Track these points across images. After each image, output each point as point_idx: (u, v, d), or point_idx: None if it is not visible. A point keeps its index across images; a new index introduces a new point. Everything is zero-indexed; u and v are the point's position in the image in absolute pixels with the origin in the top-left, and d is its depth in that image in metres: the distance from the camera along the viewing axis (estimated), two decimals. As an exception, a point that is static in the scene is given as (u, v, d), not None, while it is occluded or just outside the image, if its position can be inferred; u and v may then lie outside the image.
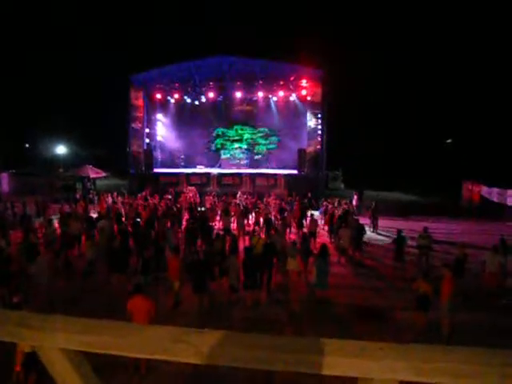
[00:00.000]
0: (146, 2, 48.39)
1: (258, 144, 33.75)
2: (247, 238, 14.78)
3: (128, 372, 6.93)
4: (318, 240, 15.38)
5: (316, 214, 18.40)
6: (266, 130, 33.47)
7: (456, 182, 30.88)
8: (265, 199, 22.15)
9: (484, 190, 27.94)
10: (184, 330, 1.06)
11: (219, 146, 34.48)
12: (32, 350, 5.56)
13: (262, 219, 17.11)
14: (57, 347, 1.08)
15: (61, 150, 40.38)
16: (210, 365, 1.01)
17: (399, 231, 13.09)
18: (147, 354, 1.05)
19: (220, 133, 34.41)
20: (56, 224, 15.64)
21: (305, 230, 15.90)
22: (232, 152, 33.62)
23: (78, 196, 25.65)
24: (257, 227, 16.19)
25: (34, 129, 44.92)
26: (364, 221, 16.96)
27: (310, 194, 22.79)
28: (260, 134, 33.65)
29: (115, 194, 23.17)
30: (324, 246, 10.89)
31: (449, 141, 44.51)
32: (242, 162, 32.85)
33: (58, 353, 1.09)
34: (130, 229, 14.88)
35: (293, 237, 15.93)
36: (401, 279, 11.94)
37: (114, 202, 20.72)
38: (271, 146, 33.47)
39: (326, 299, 10.22)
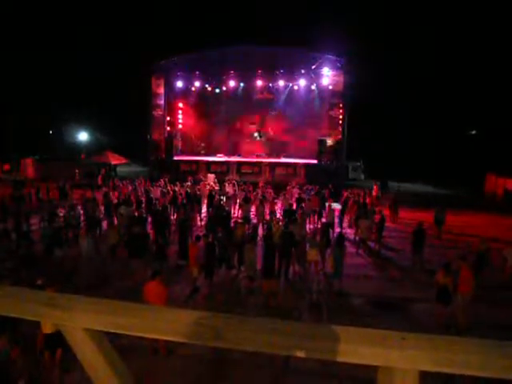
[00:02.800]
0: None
1: (277, 133, 33.64)
2: (266, 226, 14.81)
3: (148, 354, 7.07)
4: (336, 231, 15.31)
5: (335, 204, 18.27)
6: (285, 116, 33.32)
7: (480, 174, 30.18)
8: (288, 188, 22.04)
9: (509, 183, 27.27)
10: (205, 314, 1.07)
11: (239, 134, 34.46)
12: (54, 331, 5.73)
13: (279, 209, 17.10)
14: (81, 327, 1.10)
15: (83, 136, 41.04)
16: (230, 349, 1.02)
17: (419, 223, 12.91)
18: (168, 336, 1.06)
19: (240, 121, 34.37)
20: (79, 209, 15.95)
21: (323, 220, 15.84)
22: (252, 141, 33.53)
23: (99, 182, 26.06)
24: (277, 216, 16.16)
25: (58, 116, 45.66)
26: (384, 212, 16.78)
27: (331, 185, 22.53)
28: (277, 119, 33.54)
29: (137, 180, 23.47)
30: (340, 236, 10.86)
31: (473, 132, 43.49)
32: (261, 151, 32.73)
33: (83, 333, 1.11)
34: (149, 215, 15.11)
35: (312, 227, 15.91)
36: (420, 271, 11.82)
37: (135, 189, 20.94)
38: (291, 130, 33.32)
39: (344, 290, 10.20)
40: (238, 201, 18.88)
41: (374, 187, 23.13)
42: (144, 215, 14.98)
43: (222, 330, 1.01)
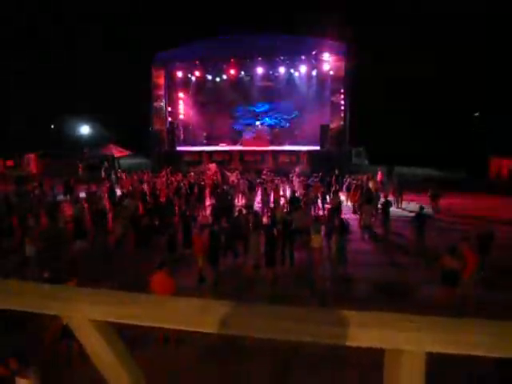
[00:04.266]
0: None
1: (280, 119, 33.57)
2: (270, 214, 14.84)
3: (158, 345, 7.14)
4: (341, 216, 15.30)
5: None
6: (286, 103, 33.19)
7: (484, 156, 29.99)
8: (290, 175, 22.02)
9: (514, 164, 27.10)
10: (210, 302, 1.07)
11: (241, 123, 34.38)
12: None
13: (283, 196, 17.11)
14: (86, 318, 1.10)
15: (85, 130, 41.01)
16: (237, 336, 1.02)
17: (421, 207, 12.90)
18: (175, 325, 1.06)
19: (241, 109, 34.27)
20: (83, 203, 16.00)
21: (328, 206, 15.83)
22: (254, 129, 33.41)
23: (103, 175, 26.10)
24: (281, 203, 16.18)
25: (59, 110, 45.59)
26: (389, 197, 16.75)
27: (337, 171, 22.41)
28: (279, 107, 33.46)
29: (140, 172, 23.50)
30: (342, 222, 10.86)
31: (476, 114, 43.13)
32: (264, 139, 32.60)
33: (89, 324, 1.11)
34: (153, 207, 15.15)
35: (318, 213, 15.91)
36: (423, 256, 11.81)
37: (140, 181, 20.89)
38: (293, 116, 33.22)
39: (349, 276, 10.23)
40: (241, 189, 18.90)
41: (379, 173, 23.07)
42: (148, 207, 15.02)
43: (229, 317, 1.01)
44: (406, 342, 0.94)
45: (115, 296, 1.12)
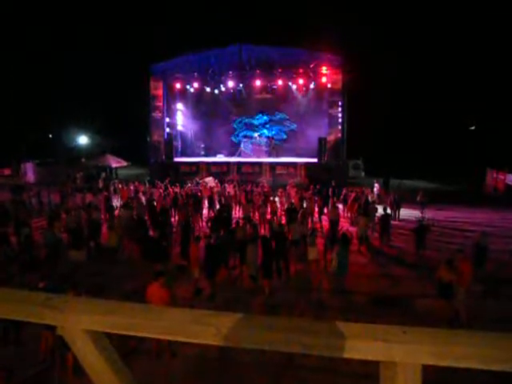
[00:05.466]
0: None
1: (277, 131, 33.75)
2: (267, 226, 14.83)
3: (151, 358, 7.06)
4: (339, 228, 15.29)
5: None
6: (284, 115, 33.40)
7: (480, 169, 30.14)
8: (287, 187, 22.04)
9: (509, 178, 27.20)
10: (204, 312, 1.07)
11: (239, 134, 34.51)
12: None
13: (280, 208, 17.13)
14: (80, 328, 1.10)
15: (83, 140, 41.08)
16: (231, 347, 1.02)
17: (420, 220, 12.93)
18: (168, 335, 1.06)
19: (239, 121, 34.43)
20: (80, 213, 15.94)
21: (324, 217, 15.81)
22: (252, 141, 33.52)
23: (100, 185, 26.05)
24: (275, 216, 16.20)
25: (57, 119, 45.72)
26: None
27: (333, 183, 22.51)
28: (277, 119, 33.65)
29: (137, 183, 23.46)
30: (344, 234, 10.84)
31: (472, 128, 43.44)
32: (261, 151, 32.69)
33: (82, 334, 1.11)
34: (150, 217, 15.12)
35: (315, 225, 15.90)
36: (421, 268, 11.80)
37: (137, 192, 20.87)
38: (291, 129, 33.43)
39: (346, 288, 10.19)
40: (239, 200, 18.88)
41: (376, 185, 23.12)
42: (145, 218, 14.98)
43: (223, 328, 1.01)
44: (402, 354, 0.94)
45: (110, 306, 1.12)
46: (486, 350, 0.92)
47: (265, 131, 33.87)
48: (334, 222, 15.01)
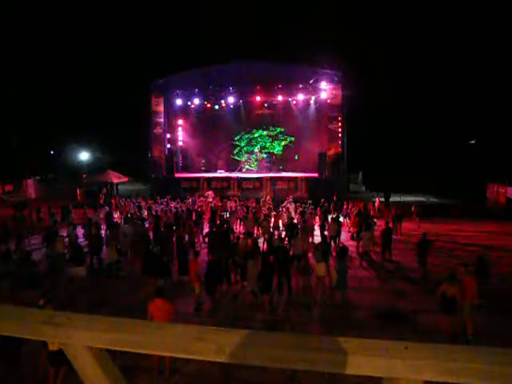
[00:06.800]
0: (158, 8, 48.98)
1: (277, 145, 33.90)
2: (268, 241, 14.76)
3: (152, 375, 6.98)
4: (340, 242, 15.24)
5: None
6: (283, 129, 33.62)
7: (481, 183, 30.14)
8: (286, 203, 22.06)
9: (510, 191, 27.18)
10: (206, 329, 1.06)
11: (239, 150, 34.65)
12: (59, 348, 5.66)
13: (281, 223, 17.09)
14: (82, 345, 1.10)
15: (84, 156, 41.21)
16: (232, 364, 1.01)
17: (424, 234, 12.86)
18: (170, 352, 1.06)
19: (240, 137, 34.60)
20: (79, 229, 15.93)
21: (326, 233, 15.75)
22: (252, 156, 33.68)
23: (101, 201, 26.07)
24: (276, 231, 16.18)
25: (59, 136, 45.97)
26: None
27: (335, 197, 22.54)
28: (276, 132, 33.84)
29: (139, 199, 23.50)
30: (343, 248, 10.79)
31: (472, 142, 43.58)
32: (262, 166, 32.82)
33: (84, 350, 1.11)
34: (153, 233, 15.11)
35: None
36: (424, 282, 11.72)
37: (139, 208, 20.89)
38: (290, 144, 33.60)
39: (348, 302, 10.11)
40: (240, 216, 18.86)
41: (377, 199, 23.13)
42: (147, 233, 14.95)
43: (225, 344, 1.01)
44: (404, 369, 0.93)
45: (112, 322, 1.12)
46: (488, 367, 0.91)
47: (265, 146, 34.01)
48: (333, 238, 15.00)
